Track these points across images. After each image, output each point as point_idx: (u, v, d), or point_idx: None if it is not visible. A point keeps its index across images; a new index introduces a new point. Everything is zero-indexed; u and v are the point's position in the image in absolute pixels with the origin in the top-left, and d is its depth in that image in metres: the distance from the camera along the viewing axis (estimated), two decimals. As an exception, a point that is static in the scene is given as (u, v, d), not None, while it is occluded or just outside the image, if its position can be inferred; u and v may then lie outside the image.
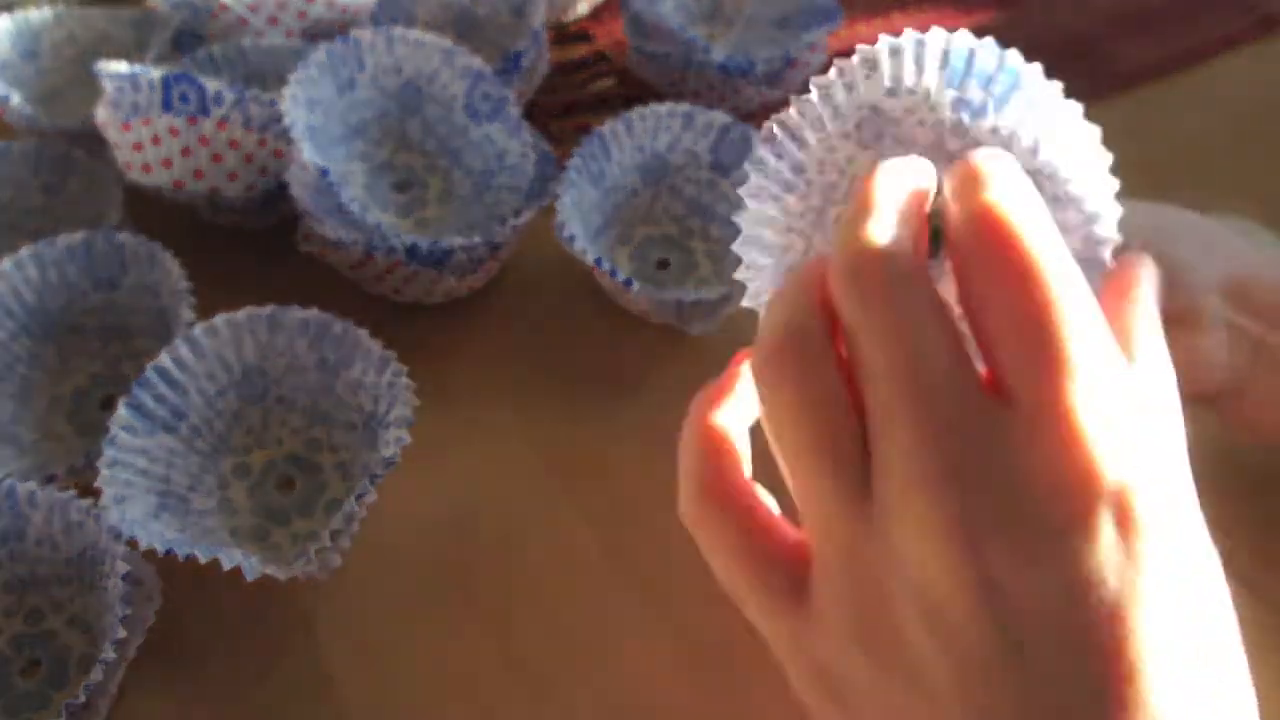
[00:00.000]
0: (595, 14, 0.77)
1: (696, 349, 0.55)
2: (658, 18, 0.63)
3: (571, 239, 0.52)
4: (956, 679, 0.23)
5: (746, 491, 0.29)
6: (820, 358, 0.26)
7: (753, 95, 0.65)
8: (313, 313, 0.47)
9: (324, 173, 0.50)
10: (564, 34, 0.75)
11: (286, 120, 0.51)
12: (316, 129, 0.55)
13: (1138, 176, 0.63)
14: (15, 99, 0.59)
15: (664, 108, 0.57)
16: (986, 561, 0.22)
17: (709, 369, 0.53)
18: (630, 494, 0.49)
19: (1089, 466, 0.23)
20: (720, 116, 0.57)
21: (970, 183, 0.26)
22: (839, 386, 0.26)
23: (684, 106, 0.57)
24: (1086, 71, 0.70)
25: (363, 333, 0.47)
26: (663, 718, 0.42)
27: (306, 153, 0.51)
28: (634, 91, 0.70)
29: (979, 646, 0.22)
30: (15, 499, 0.43)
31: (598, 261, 0.50)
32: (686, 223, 0.58)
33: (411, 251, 0.51)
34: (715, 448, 0.30)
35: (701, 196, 0.58)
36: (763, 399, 0.27)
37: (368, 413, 0.47)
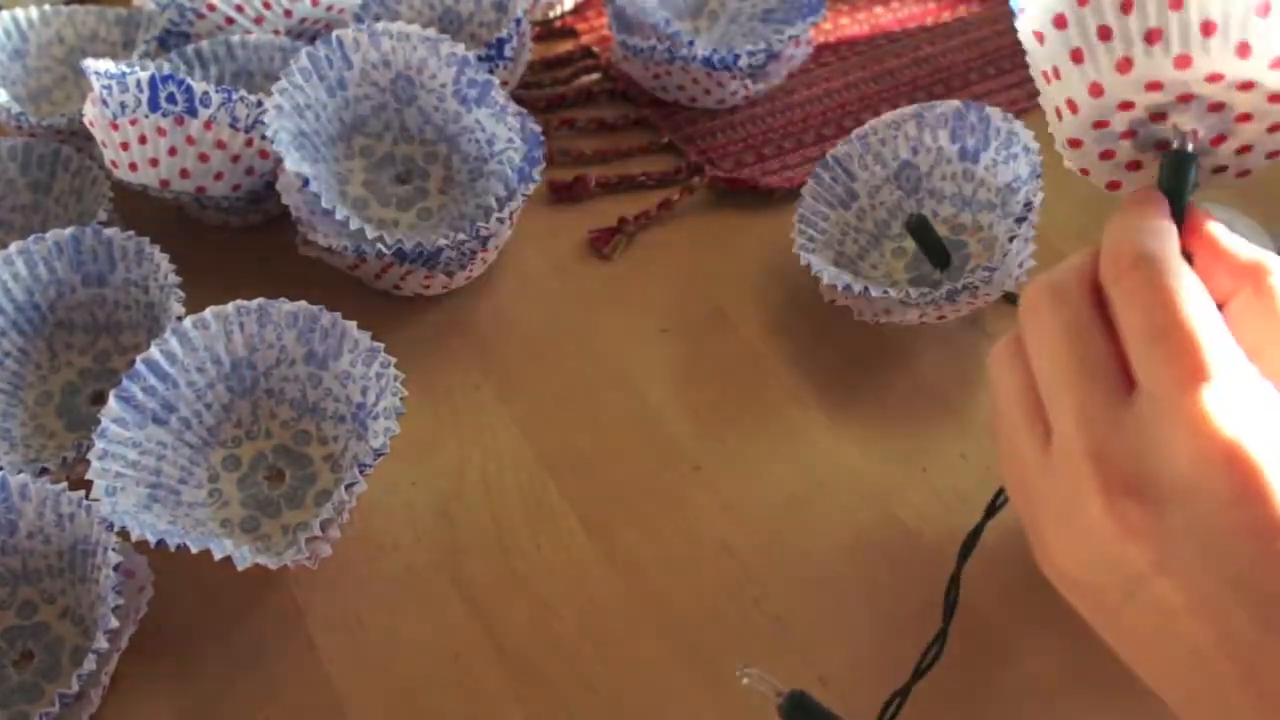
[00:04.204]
0: (579, 10, 0.77)
1: (686, 344, 0.55)
2: (641, 13, 0.64)
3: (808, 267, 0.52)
4: (1123, 585, 0.29)
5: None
6: (1076, 297, 0.32)
7: (737, 89, 0.65)
8: (301, 305, 0.47)
9: (306, 182, 0.51)
10: (549, 30, 0.76)
11: (270, 131, 0.51)
12: (309, 133, 0.55)
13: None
14: (3, 97, 0.59)
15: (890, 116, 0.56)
16: (1123, 514, 0.29)
17: (699, 366, 0.54)
18: (618, 483, 0.49)
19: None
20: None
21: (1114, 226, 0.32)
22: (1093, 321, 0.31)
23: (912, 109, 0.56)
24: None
25: (351, 324, 0.47)
26: (650, 704, 0.42)
27: (290, 163, 0.51)
28: (619, 86, 0.70)
29: (1133, 563, 0.29)
30: (7, 492, 0.43)
31: (847, 288, 0.50)
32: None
33: (400, 253, 0.52)
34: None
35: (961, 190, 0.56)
36: (1036, 323, 0.32)
37: (356, 404, 0.47)
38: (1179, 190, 0.33)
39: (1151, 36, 0.31)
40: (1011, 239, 0.49)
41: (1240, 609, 0.27)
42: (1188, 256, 0.32)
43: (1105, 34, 0.32)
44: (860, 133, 0.56)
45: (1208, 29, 0.31)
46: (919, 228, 0.52)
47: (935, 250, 0.52)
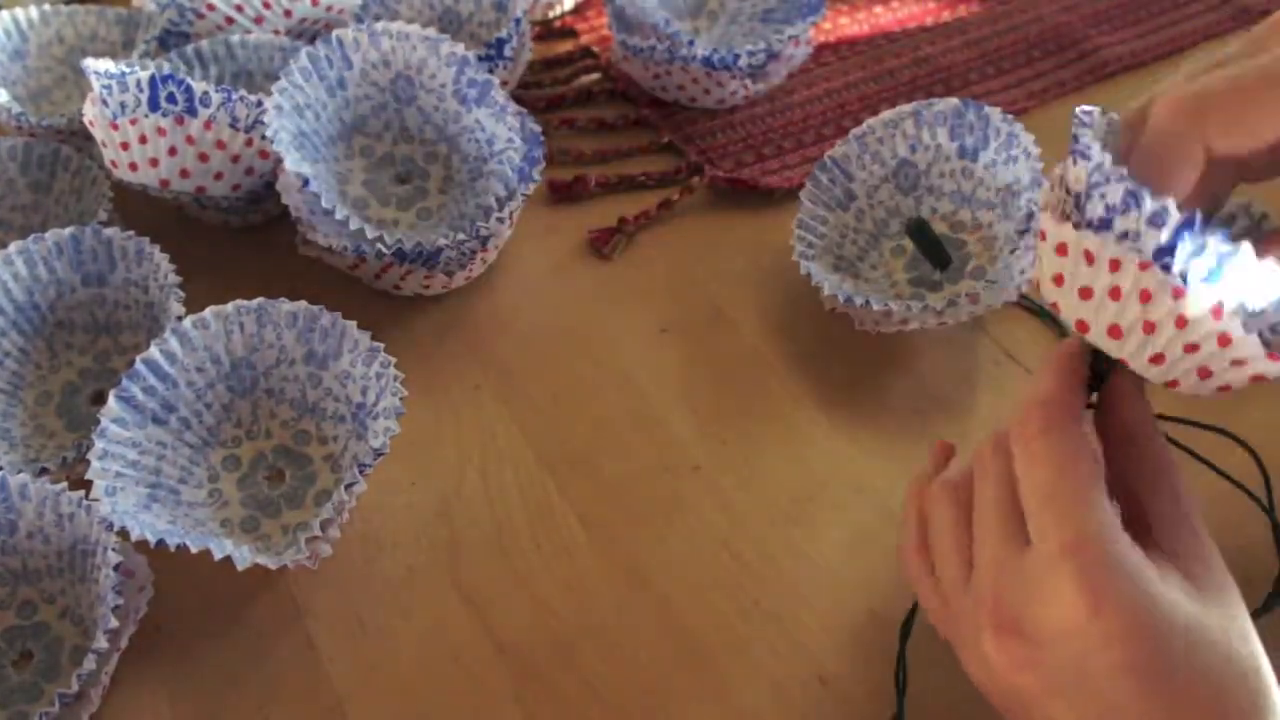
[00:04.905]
0: (579, 10, 0.77)
1: (686, 344, 0.55)
2: (641, 13, 0.64)
3: (809, 275, 0.52)
4: (1022, 703, 0.33)
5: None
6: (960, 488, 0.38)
7: (737, 89, 0.65)
8: (301, 305, 0.47)
9: (306, 182, 0.51)
10: (549, 30, 0.76)
11: (270, 131, 0.51)
12: (309, 133, 0.55)
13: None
14: (3, 97, 0.59)
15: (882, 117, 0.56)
16: (1010, 651, 0.33)
17: (699, 366, 0.54)
18: (618, 484, 0.49)
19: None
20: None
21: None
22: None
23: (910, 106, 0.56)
24: (1068, 62, 0.71)
25: (350, 324, 0.47)
26: (647, 702, 0.42)
27: (290, 163, 0.51)
28: (619, 86, 0.70)
29: (1025, 690, 0.33)
30: (7, 492, 0.43)
31: (849, 300, 0.51)
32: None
33: (400, 253, 0.52)
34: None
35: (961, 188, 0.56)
36: (982, 471, 0.36)
37: (356, 404, 0.47)
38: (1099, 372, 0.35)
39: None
40: (1013, 251, 0.49)
41: None
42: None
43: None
44: (858, 132, 0.56)
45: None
46: (918, 230, 0.52)
47: (935, 252, 0.52)
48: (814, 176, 0.55)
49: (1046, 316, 0.55)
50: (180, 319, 0.48)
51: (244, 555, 0.41)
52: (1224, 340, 0.30)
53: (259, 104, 0.53)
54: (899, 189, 0.56)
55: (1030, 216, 0.50)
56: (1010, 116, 0.53)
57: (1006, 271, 0.49)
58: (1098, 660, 0.30)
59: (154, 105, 0.52)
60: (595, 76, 0.72)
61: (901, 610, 0.44)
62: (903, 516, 0.40)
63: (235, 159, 0.55)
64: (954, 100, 0.54)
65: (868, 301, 0.50)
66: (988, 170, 0.54)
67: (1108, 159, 0.30)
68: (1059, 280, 0.33)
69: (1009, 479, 0.34)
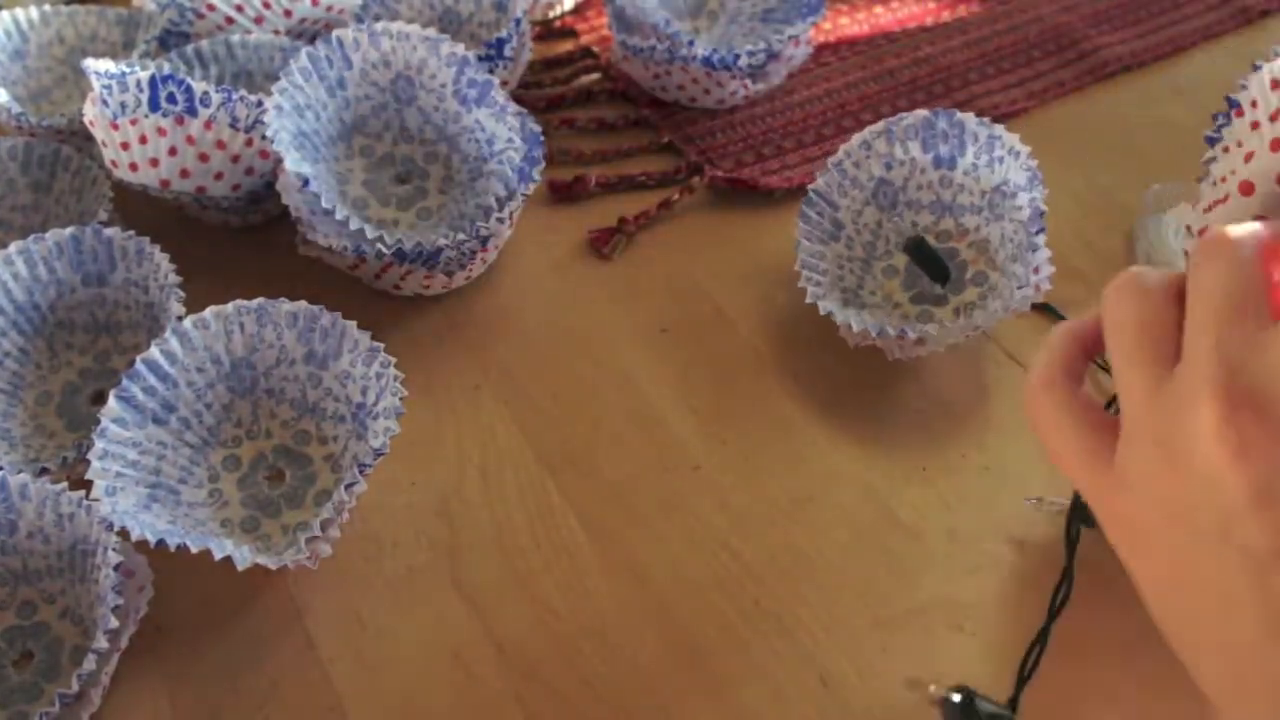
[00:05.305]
0: (579, 10, 0.77)
1: (686, 344, 0.55)
2: (641, 13, 0.64)
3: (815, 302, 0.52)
4: (1218, 521, 0.29)
5: (1080, 379, 0.36)
6: (1156, 288, 0.33)
7: (737, 89, 0.65)
8: (301, 305, 0.47)
9: (306, 182, 0.51)
10: (549, 30, 0.76)
11: (270, 131, 0.51)
12: (309, 133, 0.55)
13: (1119, 163, 0.64)
14: (3, 97, 0.59)
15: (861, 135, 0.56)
16: (1240, 429, 0.29)
17: (699, 366, 0.54)
18: (618, 483, 0.49)
19: None
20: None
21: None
22: (1167, 311, 0.33)
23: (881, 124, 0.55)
24: (1068, 62, 0.71)
25: (350, 324, 0.47)
26: (647, 702, 0.42)
27: (290, 163, 0.51)
28: (619, 86, 0.70)
29: (1234, 491, 0.29)
30: (7, 492, 0.43)
31: (882, 333, 0.50)
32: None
33: (400, 253, 0.52)
34: (1064, 350, 0.36)
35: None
36: (1111, 313, 0.34)
37: (356, 404, 0.47)
38: None
39: None
40: (1034, 250, 0.49)
41: None
42: None
43: None
44: (835, 160, 0.55)
45: None
46: (916, 248, 0.52)
47: (935, 266, 0.52)
48: (803, 213, 0.54)
49: (1047, 313, 0.55)
50: (180, 319, 0.48)
51: (244, 555, 0.41)
52: None
53: (259, 104, 0.53)
54: (879, 209, 0.56)
55: (1042, 214, 0.49)
56: (987, 120, 0.52)
57: (1024, 269, 0.49)
58: None
59: (154, 105, 0.52)
60: (595, 76, 0.72)
61: (902, 609, 0.44)
62: (1039, 357, 0.36)
63: (235, 159, 0.55)
64: (923, 112, 0.54)
65: (904, 332, 0.49)
66: (968, 176, 0.54)
67: None
68: None
69: (1249, 275, 0.31)
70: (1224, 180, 0.38)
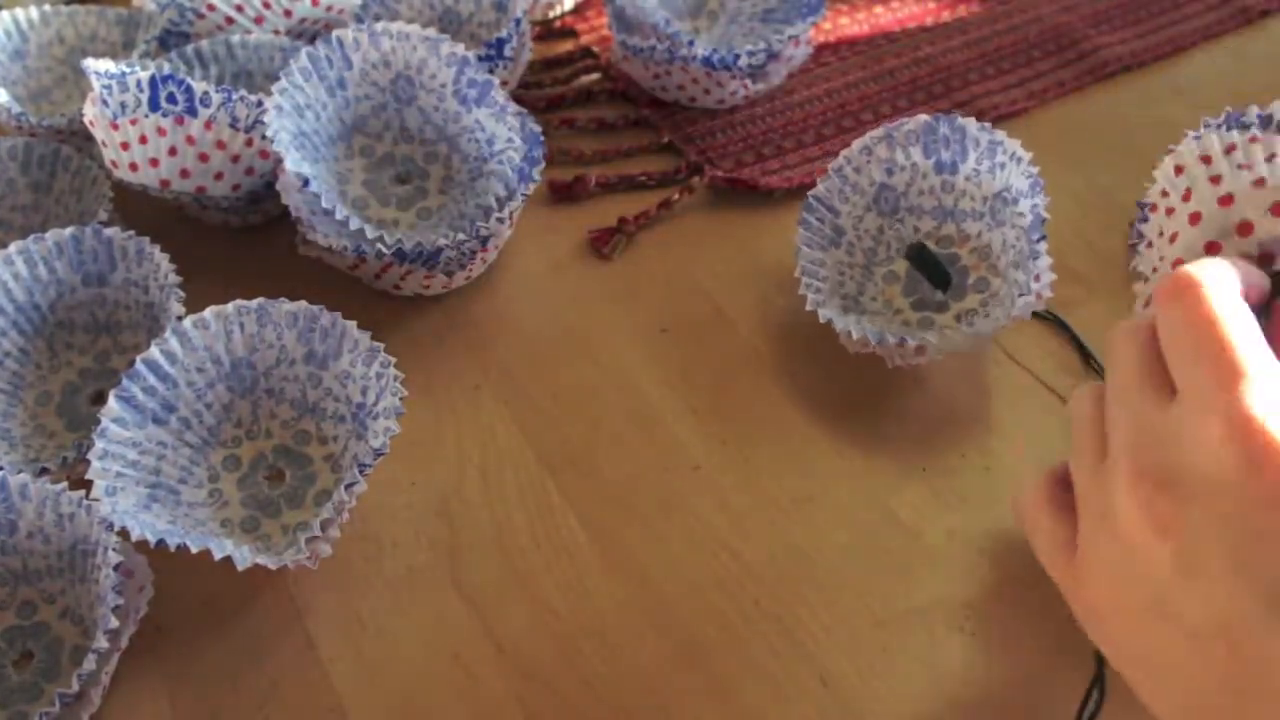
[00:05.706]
0: (579, 10, 0.77)
1: (686, 344, 0.55)
2: (641, 13, 0.64)
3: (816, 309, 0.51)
4: (1153, 595, 0.30)
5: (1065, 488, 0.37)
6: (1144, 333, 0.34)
7: (737, 89, 0.65)
8: (301, 305, 0.47)
9: (306, 182, 0.51)
10: (549, 30, 0.76)
11: (270, 131, 0.51)
12: (309, 133, 0.55)
13: (1119, 163, 0.64)
14: (3, 97, 0.59)
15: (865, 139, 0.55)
16: (1156, 505, 0.30)
17: (699, 366, 0.54)
18: (618, 483, 0.49)
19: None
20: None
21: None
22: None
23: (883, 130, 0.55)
24: (1068, 62, 0.71)
25: (350, 324, 0.47)
26: (647, 701, 0.42)
27: (290, 163, 0.51)
28: (619, 86, 0.70)
29: (1161, 565, 0.29)
30: (7, 492, 0.43)
31: (876, 336, 0.50)
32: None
33: (400, 253, 0.52)
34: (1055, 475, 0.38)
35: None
36: (1072, 407, 0.36)
37: (356, 404, 0.47)
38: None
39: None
40: (1035, 258, 0.49)
41: (1267, 622, 0.27)
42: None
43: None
44: (835, 165, 0.55)
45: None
46: (918, 254, 0.52)
47: (937, 273, 0.52)
48: (803, 219, 0.54)
49: (1048, 319, 0.55)
50: (180, 319, 0.48)
51: (244, 555, 0.41)
52: None
53: (259, 104, 0.53)
54: (880, 214, 0.56)
55: (1043, 221, 0.49)
56: (988, 125, 0.52)
57: (1026, 275, 0.49)
58: (1255, 521, 0.27)
59: (154, 105, 0.52)
60: (595, 76, 0.72)
61: (901, 609, 0.44)
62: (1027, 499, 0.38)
63: (235, 159, 0.55)
64: (924, 117, 0.54)
65: (904, 340, 0.49)
66: (970, 181, 0.53)
67: None
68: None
69: (1151, 357, 0.32)
70: (1155, 270, 0.40)
